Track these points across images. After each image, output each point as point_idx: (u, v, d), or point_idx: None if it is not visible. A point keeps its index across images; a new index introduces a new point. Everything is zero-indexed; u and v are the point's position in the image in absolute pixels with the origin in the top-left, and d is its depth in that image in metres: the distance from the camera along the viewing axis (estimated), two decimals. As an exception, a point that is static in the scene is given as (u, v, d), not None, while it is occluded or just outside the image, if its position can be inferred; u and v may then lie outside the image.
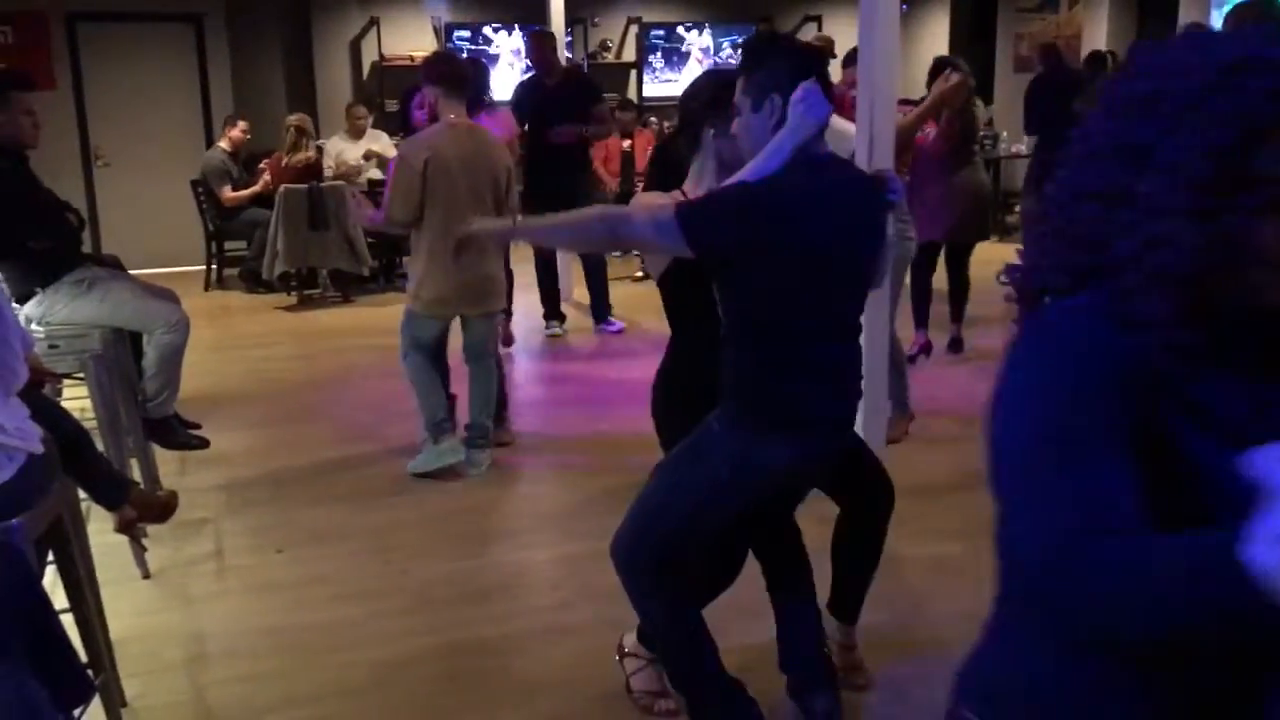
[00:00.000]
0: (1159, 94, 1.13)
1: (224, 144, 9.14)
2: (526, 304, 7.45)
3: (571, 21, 10.61)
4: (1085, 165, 1.21)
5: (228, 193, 8.93)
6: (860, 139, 4.28)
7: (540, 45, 7.23)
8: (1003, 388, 1.20)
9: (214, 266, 9.34)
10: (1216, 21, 9.31)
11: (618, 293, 8.74)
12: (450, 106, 4.66)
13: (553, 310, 7.53)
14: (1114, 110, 1.19)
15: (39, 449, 2.43)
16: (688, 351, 2.85)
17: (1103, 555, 1.03)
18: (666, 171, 2.84)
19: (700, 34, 12.08)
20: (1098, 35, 11.09)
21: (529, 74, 7.70)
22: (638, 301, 8.55)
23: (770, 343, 2.49)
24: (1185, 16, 9.97)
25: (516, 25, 11.10)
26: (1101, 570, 1.03)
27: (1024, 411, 1.16)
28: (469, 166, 4.57)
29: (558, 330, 7.50)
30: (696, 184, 2.72)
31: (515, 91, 7.36)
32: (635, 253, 9.83)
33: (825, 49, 7.38)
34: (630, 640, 3.14)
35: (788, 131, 2.38)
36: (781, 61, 2.46)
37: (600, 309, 7.65)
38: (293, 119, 8.91)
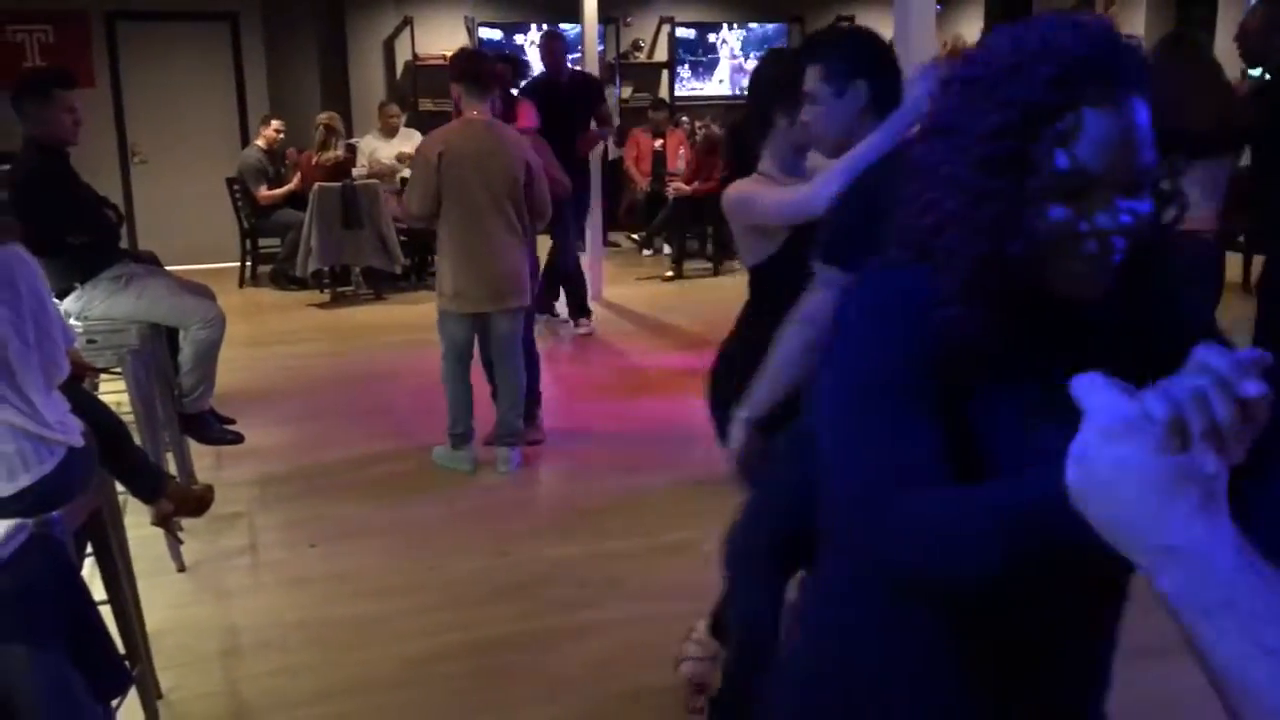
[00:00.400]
0: (973, 78, 1.18)
1: (260, 142, 9.22)
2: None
3: (604, 21, 10.64)
4: (920, 143, 1.27)
5: (263, 191, 9.01)
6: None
7: (552, 45, 7.36)
8: (830, 347, 1.28)
9: (248, 264, 9.43)
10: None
11: (646, 291, 8.78)
12: (471, 103, 4.69)
13: (579, 308, 7.56)
14: (944, 91, 1.24)
15: (79, 442, 2.47)
16: (765, 340, 2.75)
17: (911, 507, 1.11)
18: (741, 156, 2.85)
19: (732, 32, 12.08)
20: (1135, 33, 10.99)
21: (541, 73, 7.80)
22: (667, 300, 8.59)
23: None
24: (1225, 13, 9.90)
25: (547, 25, 11.13)
26: (911, 520, 1.10)
27: (843, 368, 1.24)
28: (484, 162, 4.61)
29: (588, 328, 7.52)
30: (771, 165, 2.76)
31: (525, 90, 7.42)
32: (666, 252, 9.87)
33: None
34: (701, 629, 3.13)
35: (899, 118, 2.34)
36: (864, 50, 2.48)
37: (580, 307, 7.63)
38: (322, 117, 8.98)
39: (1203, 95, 4.15)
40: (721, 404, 2.81)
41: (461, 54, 4.95)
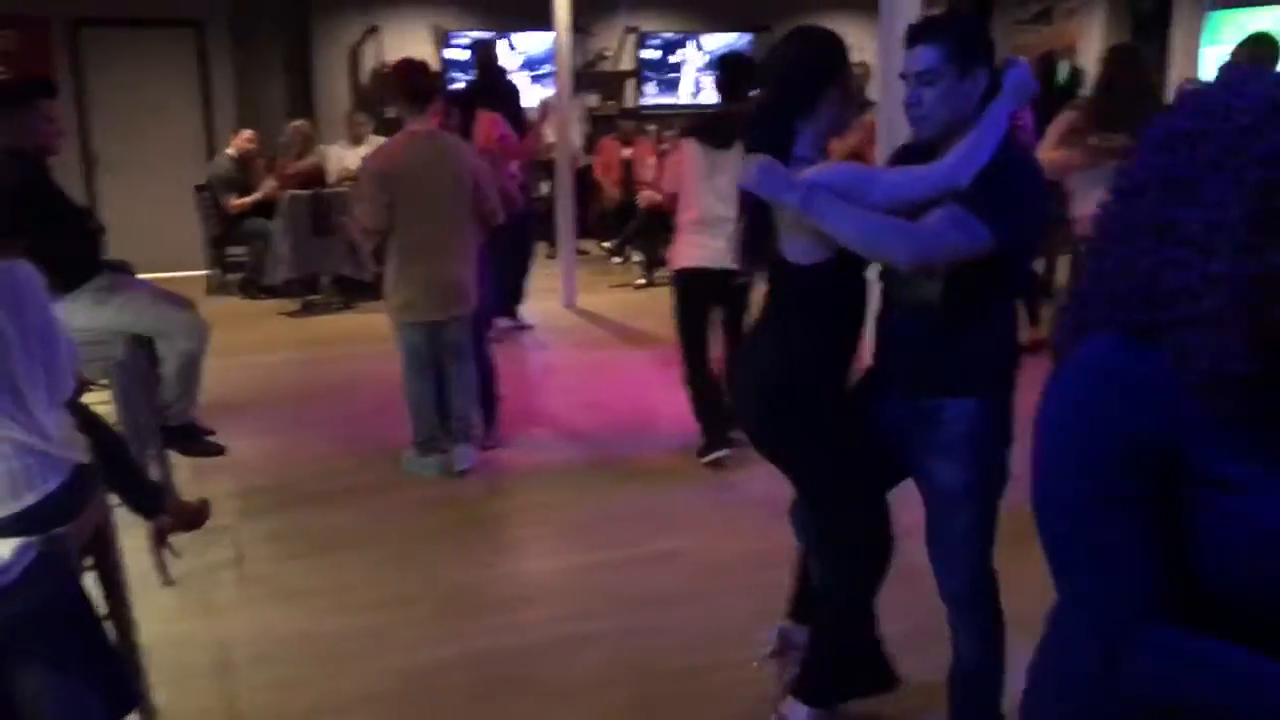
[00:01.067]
0: (1202, 133, 1.19)
1: (231, 151, 9.15)
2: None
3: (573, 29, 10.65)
4: (1133, 200, 1.26)
5: (234, 200, 8.93)
6: (882, 145, 4.34)
7: (490, 54, 7.74)
8: (1042, 440, 1.29)
9: (216, 272, 9.33)
10: (1205, 38, 9.42)
11: (617, 298, 8.80)
12: (411, 117, 4.77)
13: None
14: (1158, 145, 1.24)
15: (84, 459, 2.44)
16: (815, 353, 2.65)
17: (1162, 655, 1.20)
18: (768, 139, 2.60)
19: (698, 43, 12.13)
20: (1091, 48, 11.17)
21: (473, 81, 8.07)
22: (640, 308, 8.60)
23: (1003, 310, 2.57)
24: (1178, 30, 10.10)
25: (515, 33, 11.15)
26: (1163, 669, 1.20)
27: (1060, 474, 1.27)
28: (426, 173, 4.67)
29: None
30: (811, 150, 2.60)
31: (457, 97, 7.52)
32: (636, 259, 9.88)
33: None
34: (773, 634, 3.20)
35: (1007, 101, 2.39)
36: (985, 37, 2.49)
37: (510, 304, 7.73)
38: (298, 124, 8.94)
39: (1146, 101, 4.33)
40: (789, 428, 2.70)
41: (396, 68, 4.98)
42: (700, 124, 5.08)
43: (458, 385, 5.01)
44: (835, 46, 2.66)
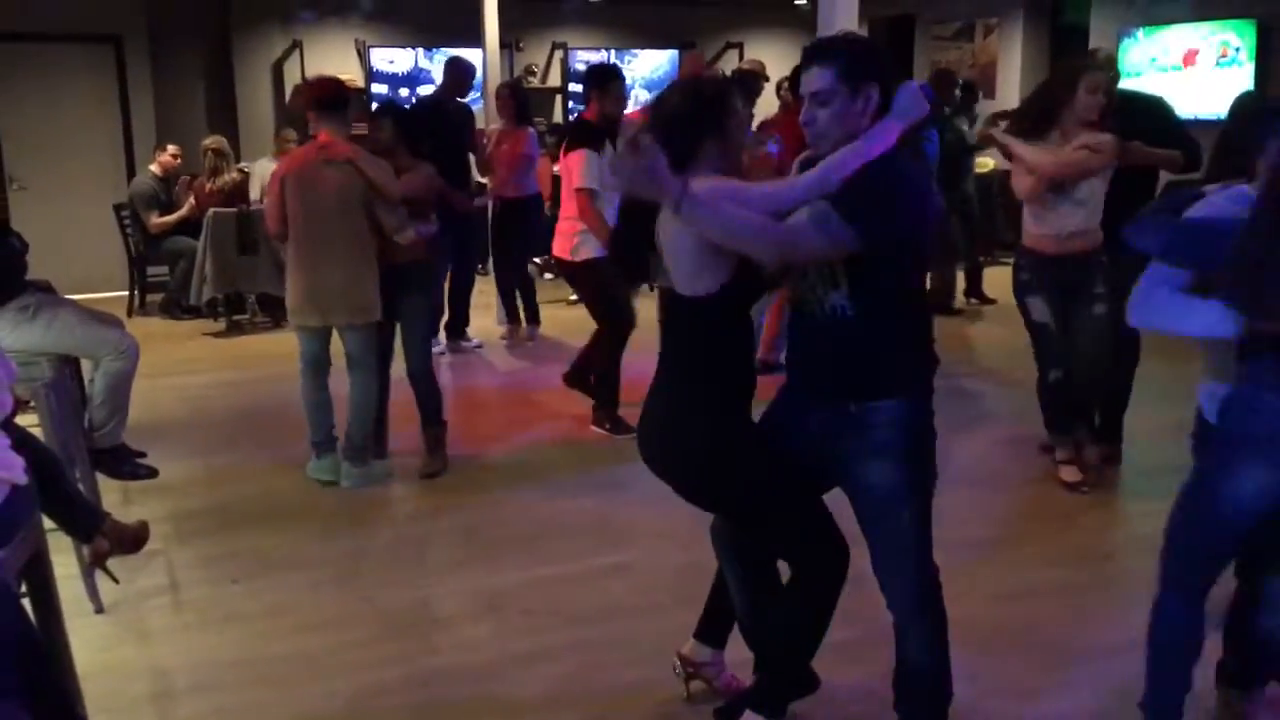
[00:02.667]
0: None
1: (154, 168, 8.95)
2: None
3: (499, 45, 10.61)
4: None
5: (155, 219, 8.74)
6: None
7: (461, 70, 7.63)
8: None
9: (137, 292, 9.12)
10: (1123, 50, 9.67)
11: (550, 314, 8.77)
12: (321, 126, 4.87)
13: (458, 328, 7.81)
14: None
15: (23, 480, 2.36)
16: (717, 400, 2.68)
17: None
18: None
19: (625, 59, 12.16)
20: (1012, 65, 11.42)
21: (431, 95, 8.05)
22: (571, 325, 8.56)
23: (915, 311, 2.64)
24: (1096, 46, 10.35)
25: (440, 48, 11.08)
26: None
27: None
28: (312, 183, 4.76)
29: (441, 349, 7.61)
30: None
31: (412, 110, 7.52)
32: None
33: (759, 72, 7.52)
34: (689, 648, 3.16)
35: (896, 118, 2.48)
36: (877, 55, 2.58)
37: (459, 326, 7.85)
38: (208, 142, 8.77)
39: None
40: (721, 472, 2.70)
41: (308, 81, 5.13)
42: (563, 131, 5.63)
43: (351, 402, 4.97)
44: (720, 99, 2.71)
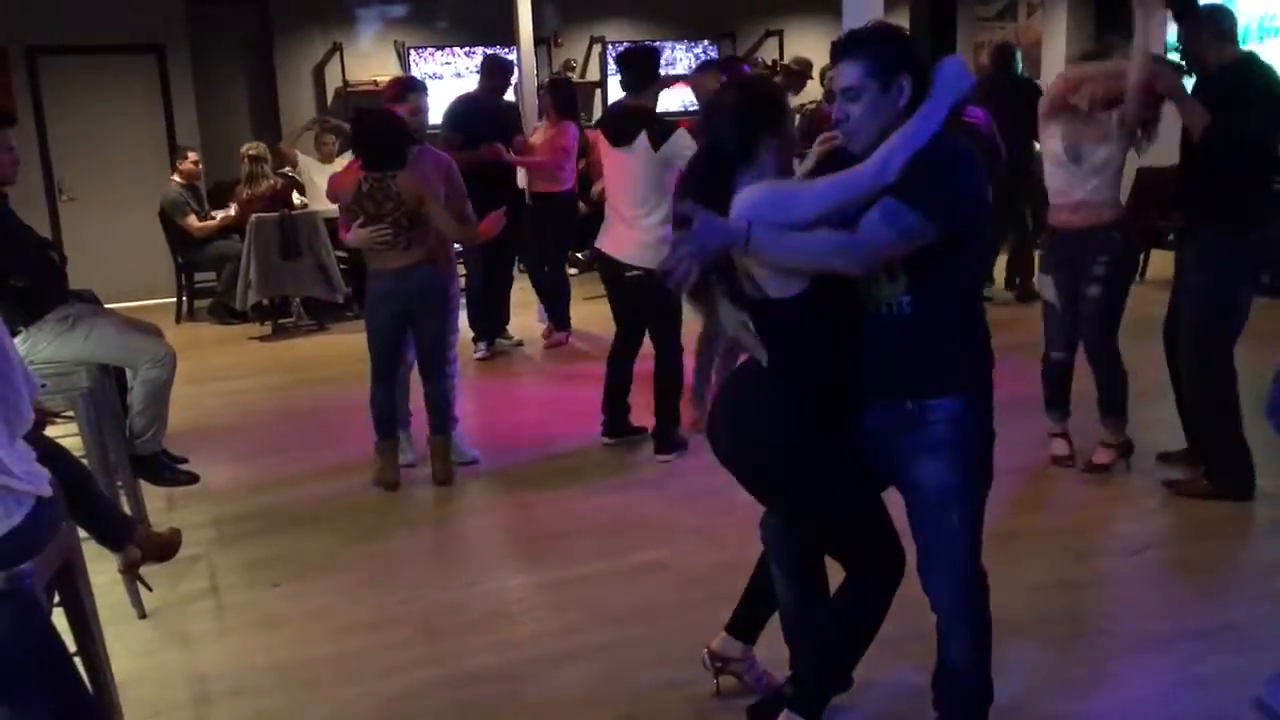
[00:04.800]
0: None
1: (177, 178, 9.01)
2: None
3: (536, 42, 10.62)
4: None
5: (193, 222, 8.85)
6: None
7: (500, 69, 7.59)
8: None
9: (184, 299, 9.24)
10: (1173, 30, 9.45)
11: (590, 310, 8.74)
12: None
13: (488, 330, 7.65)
14: None
15: (48, 492, 2.37)
16: (816, 385, 2.62)
17: None
18: (713, 187, 2.59)
19: (661, 52, 12.10)
20: (1057, 43, 11.22)
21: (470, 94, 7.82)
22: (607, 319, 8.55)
23: (974, 308, 2.59)
24: (1141, 24, 10.14)
25: (482, 48, 11.11)
26: None
27: None
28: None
29: (484, 353, 7.56)
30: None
31: (449, 112, 7.44)
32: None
33: (804, 72, 7.45)
34: (717, 643, 3.14)
35: (941, 95, 2.43)
36: (908, 45, 2.54)
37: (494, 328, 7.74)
38: (247, 148, 8.81)
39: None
40: (791, 470, 2.66)
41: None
42: (604, 119, 5.37)
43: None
44: (772, 97, 2.69)
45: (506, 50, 10.82)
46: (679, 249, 2.44)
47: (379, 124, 4.85)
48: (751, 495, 2.81)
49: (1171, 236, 7.19)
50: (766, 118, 2.62)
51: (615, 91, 11.94)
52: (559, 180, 7.58)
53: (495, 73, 7.49)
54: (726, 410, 2.81)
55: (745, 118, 2.61)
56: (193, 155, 9.12)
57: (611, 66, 11.94)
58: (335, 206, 5.09)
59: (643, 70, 5.20)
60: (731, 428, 2.76)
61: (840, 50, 2.52)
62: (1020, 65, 8.79)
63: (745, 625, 3.10)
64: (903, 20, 12.76)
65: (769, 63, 11.88)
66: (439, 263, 4.92)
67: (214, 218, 9.01)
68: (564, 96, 7.63)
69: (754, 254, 2.40)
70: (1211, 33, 4.30)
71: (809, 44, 11.50)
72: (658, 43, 12.03)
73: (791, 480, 2.68)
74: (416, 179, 4.75)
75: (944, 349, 2.52)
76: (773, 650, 3.08)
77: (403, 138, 4.80)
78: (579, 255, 10.09)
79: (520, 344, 7.83)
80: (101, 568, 3.47)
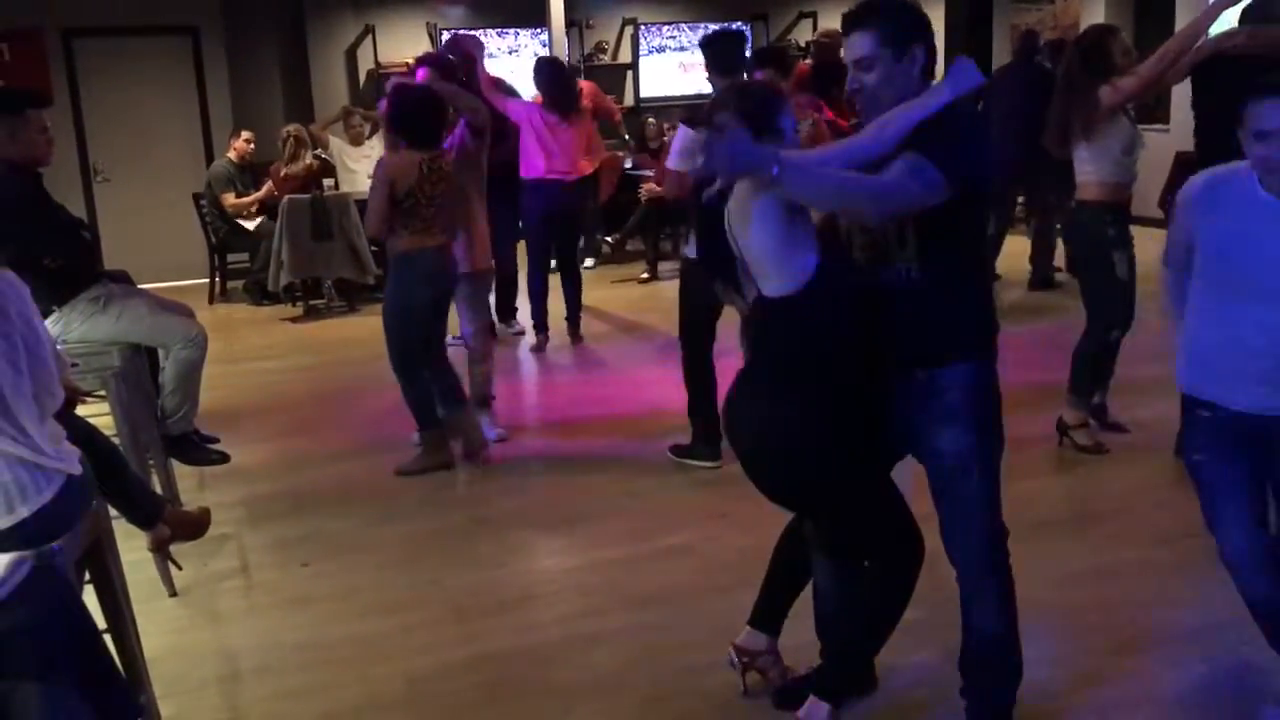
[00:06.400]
0: None
1: (231, 155, 9.14)
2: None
3: (567, 24, 10.61)
4: None
5: (231, 199, 8.91)
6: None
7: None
8: None
9: (218, 279, 9.31)
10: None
11: (622, 293, 8.75)
12: None
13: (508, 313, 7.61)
14: None
15: (77, 470, 2.40)
16: (852, 385, 2.58)
17: None
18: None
19: (695, 33, 12.04)
20: (1094, 23, 11.06)
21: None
22: (644, 302, 8.56)
23: (979, 276, 2.68)
24: (1183, 7, 10.00)
25: (515, 30, 11.12)
26: None
27: None
28: None
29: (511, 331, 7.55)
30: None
31: None
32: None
33: (835, 44, 7.38)
34: (744, 635, 3.12)
35: (950, 83, 2.46)
36: (918, 15, 2.55)
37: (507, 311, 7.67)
38: (290, 128, 8.91)
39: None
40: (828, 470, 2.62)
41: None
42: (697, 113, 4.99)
43: None
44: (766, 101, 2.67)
45: (537, 32, 10.86)
46: (711, 147, 2.42)
47: (428, 103, 4.82)
48: (780, 505, 2.81)
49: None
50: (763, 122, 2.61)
51: (646, 73, 11.95)
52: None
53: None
54: (746, 425, 2.73)
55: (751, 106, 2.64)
56: (246, 134, 9.21)
57: (648, 47, 11.92)
58: (366, 189, 5.09)
59: (735, 53, 5.01)
60: (754, 444, 2.70)
61: (852, 21, 2.52)
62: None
63: (767, 616, 3.09)
64: (939, 3, 12.63)
65: (801, 44, 11.79)
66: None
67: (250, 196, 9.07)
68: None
69: (784, 182, 2.33)
70: None
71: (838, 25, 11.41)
72: (688, 24, 12.00)
73: (825, 489, 2.67)
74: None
75: (952, 317, 2.54)
76: (794, 639, 3.07)
77: (444, 117, 4.81)
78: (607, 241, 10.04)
79: (522, 332, 7.65)
80: (132, 546, 3.50)
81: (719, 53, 4.91)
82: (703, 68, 4.97)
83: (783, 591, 3.04)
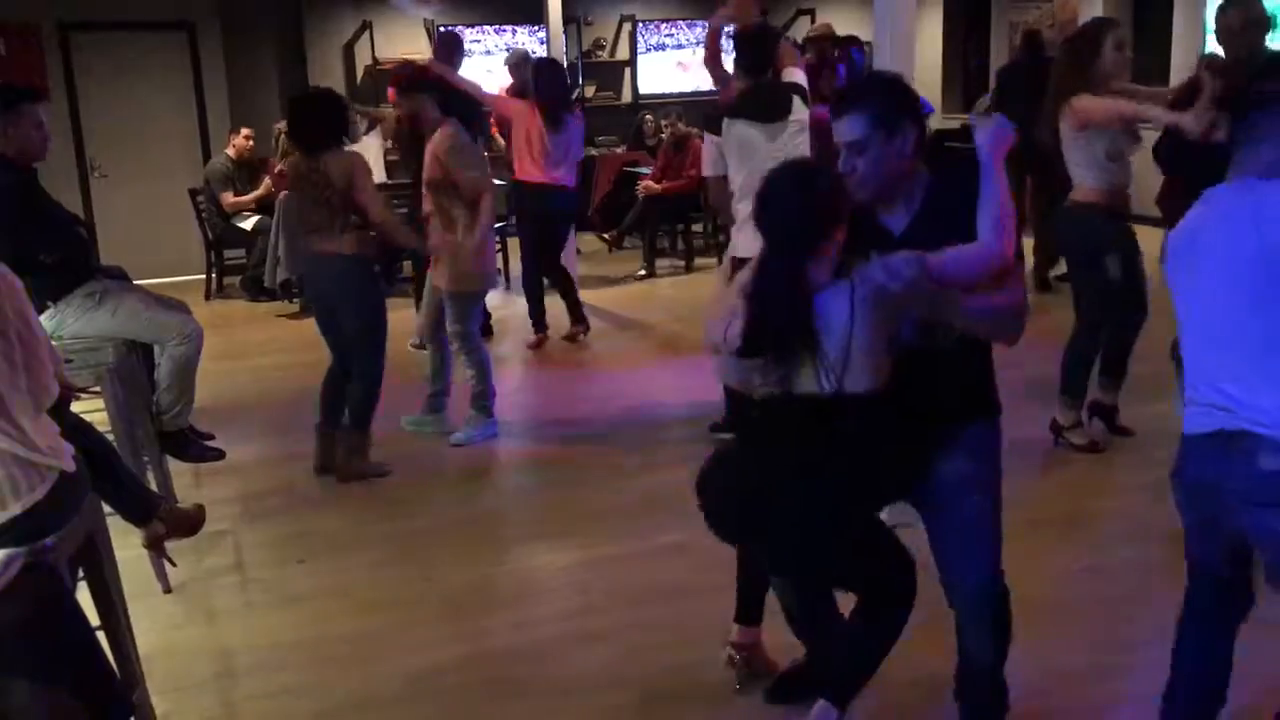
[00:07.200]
0: None
1: (230, 151, 9.10)
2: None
3: (565, 21, 10.58)
4: None
5: (229, 197, 8.89)
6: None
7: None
8: None
9: (214, 275, 9.29)
10: (1209, 9, 9.30)
11: (619, 291, 8.73)
12: None
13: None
14: None
15: (70, 466, 2.38)
16: (863, 434, 2.49)
17: None
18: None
19: (693, 30, 12.03)
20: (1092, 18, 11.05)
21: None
22: (641, 300, 8.54)
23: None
24: (1181, 3, 9.99)
25: (512, 27, 11.11)
26: None
27: None
28: None
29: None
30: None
31: None
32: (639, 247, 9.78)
33: (827, 35, 7.40)
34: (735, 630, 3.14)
35: (989, 169, 2.49)
36: (905, 91, 2.57)
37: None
38: (282, 124, 8.86)
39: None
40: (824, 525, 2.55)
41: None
42: (747, 101, 4.80)
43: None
44: (835, 190, 2.52)
45: (536, 29, 10.85)
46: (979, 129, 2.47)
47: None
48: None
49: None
50: (832, 213, 2.48)
51: (644, 70, 11.95)
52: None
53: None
54: (752, 511, 2.71)
55: (810, 216, 2.48)
56: (246, 131, 9.18)
57: (646, 44, 11.91)
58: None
59: (767, 51, 4.88)
60: (777, 534, 2.63)
61: (844, 104, 2.52)
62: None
63: (750, 610, 3.11)
64: (938, 3, 12.63)
65: (799, 41, 11.77)
66: None
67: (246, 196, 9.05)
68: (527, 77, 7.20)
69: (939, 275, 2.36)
70: None
71: (841, 22, 11.37)
72: (687, 21, 12.00)
73: (831, 566, 2.69)
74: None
75: (977, 380, 2.61)
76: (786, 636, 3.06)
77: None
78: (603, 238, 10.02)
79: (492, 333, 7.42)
80: (126, 542, 3.47)
81: (756, 50, 4.84)
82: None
83: (755, 582, 3.07)
